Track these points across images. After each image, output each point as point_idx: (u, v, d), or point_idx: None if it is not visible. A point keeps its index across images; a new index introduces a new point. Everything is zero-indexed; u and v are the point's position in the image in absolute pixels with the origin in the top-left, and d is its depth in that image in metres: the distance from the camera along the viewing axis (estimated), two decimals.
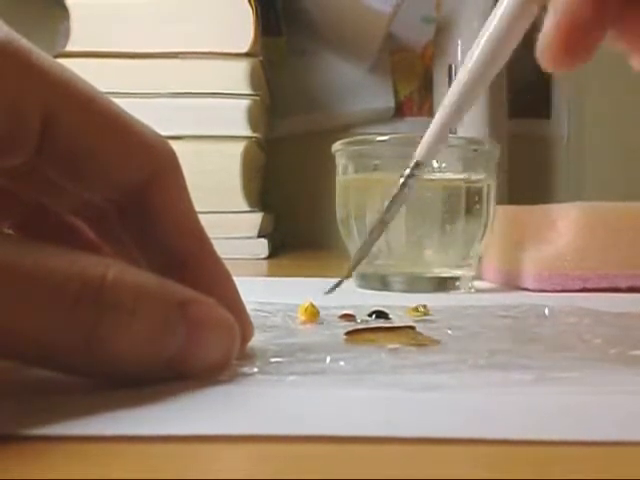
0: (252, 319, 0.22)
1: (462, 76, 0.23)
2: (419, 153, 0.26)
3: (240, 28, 0.69)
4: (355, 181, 0.44)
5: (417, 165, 0.26)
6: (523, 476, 0.13)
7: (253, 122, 0.70)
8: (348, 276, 0.29)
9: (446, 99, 0.24)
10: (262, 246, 0.68)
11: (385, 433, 0.15)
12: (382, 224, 0.28)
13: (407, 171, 0.26)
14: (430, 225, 0.41)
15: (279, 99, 0.90)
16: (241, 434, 0.15)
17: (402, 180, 0.27)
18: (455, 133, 0.81)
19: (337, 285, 0.29)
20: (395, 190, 0.27)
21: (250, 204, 0.70)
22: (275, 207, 0.84)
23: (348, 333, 0.24)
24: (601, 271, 0.41)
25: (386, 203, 0.27)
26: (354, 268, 0.30)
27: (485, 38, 0.22)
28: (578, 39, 0.20)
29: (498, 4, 0.22)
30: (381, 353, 0.22)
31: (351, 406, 0.17)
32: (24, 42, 0.17)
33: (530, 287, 0.41)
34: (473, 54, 0.23)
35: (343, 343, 0.24)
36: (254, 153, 0.74)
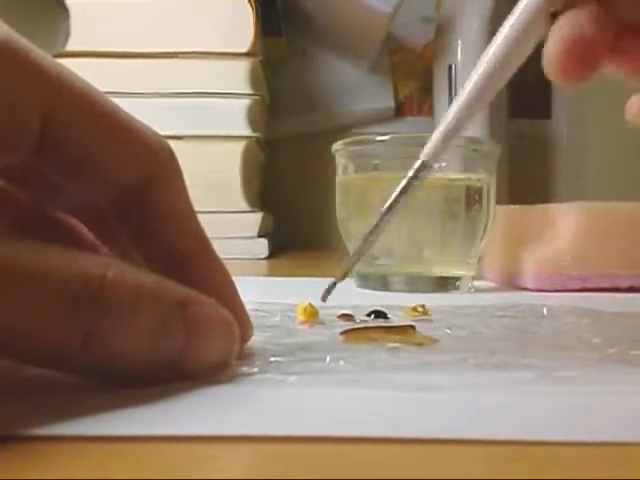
0: (251, 319, 0.22)
1: (477, 71, 0.23)
2: (426, 152, 0.24)
3: (240, 28, 0.69)
4: (355, 181, 0.44)
5: (423, 165, 0.24)
6: (523, 476, 0.13)
7: (253, 122, 0.70)
8: (342, 278, 0.27)
9: (457, 98, 0.24)
10: (262, 246, 0.68)
11: (385, 433, 0.15)
12: (380, 226, 0.26)
13: (411, 172, 0.25)
14: (430, 225, 0.41)
15: (279, 99, 0.90)
16: (241, 434, 0.15)
17: (405, 181, 0.25)
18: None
19: (331, 288, 0.27)
20: (396, 192, 0.25)
21: (250, 204, 0.70)
22: (275, 207, 0.84)
23: (345, 332, 0.24)
24: (601, 271, 0.41)
25: (385, 205, 0.25)
26: (349, 270, 0.27)
27: (500, 38, 0.22)
28: (582, 50, 0.21)
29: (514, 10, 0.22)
30: (381, 353, 0.22)
31: (351, 406, 0.17)
32: (24, 42, 0.17)
33: (530, 287, 0.41)
34: (487, 53, 0.22)
35: (342, 342, 0.24)
36: (254, 153, 0.74)
